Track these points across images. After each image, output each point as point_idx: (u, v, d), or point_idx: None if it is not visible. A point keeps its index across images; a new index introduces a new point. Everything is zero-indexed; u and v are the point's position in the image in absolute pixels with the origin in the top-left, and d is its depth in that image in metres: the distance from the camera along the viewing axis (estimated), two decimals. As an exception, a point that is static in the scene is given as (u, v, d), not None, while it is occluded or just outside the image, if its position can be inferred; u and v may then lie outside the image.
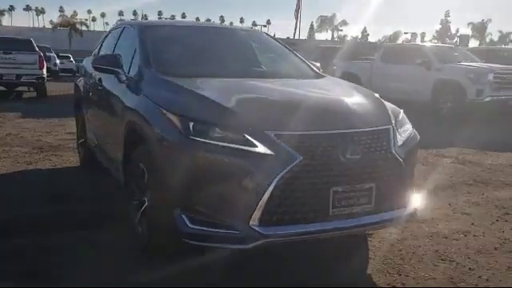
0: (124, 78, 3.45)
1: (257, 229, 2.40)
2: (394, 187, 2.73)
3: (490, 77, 10.01)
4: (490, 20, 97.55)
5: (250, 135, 2.47)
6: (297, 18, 49.56)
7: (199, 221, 2.48)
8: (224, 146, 2.45)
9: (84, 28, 76.06)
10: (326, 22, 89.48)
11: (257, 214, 2.39)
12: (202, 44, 3.93)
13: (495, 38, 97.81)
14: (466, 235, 3.53)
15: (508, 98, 10.13)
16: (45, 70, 13.71)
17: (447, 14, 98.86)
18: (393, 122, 2.91)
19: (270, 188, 2.38)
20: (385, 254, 3.15)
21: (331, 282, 2.74)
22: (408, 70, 11.36)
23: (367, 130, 2.68)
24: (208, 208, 2.48)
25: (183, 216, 2.50)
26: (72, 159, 5.64)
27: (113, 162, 3.71)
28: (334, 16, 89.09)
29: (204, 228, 2.47)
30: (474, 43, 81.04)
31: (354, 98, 3.11)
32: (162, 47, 3.69)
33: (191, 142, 2.50)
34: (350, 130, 2.63)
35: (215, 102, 2.72)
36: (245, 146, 2.45)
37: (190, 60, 3.57)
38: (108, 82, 3.81)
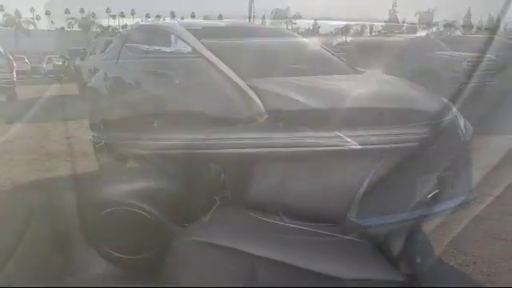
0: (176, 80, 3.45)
1: (354, 220, 2.52)
2: (465, 172, 2.93)
3: (464, 64, 10.51)
4: (435, 9, 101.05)
5: (340, 132, 2.57)
6: (250, 11, 49.68)
7: (297, 216, 2.55)
8: (316, 144, 2.55)
9: (31, 27, 72.71)
10: (280, 14, 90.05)
11: (354, 207, 2.50)
12: (247, 43, 3.96)
13: (440, 27, 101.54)
14: (502, 215, 3.79)
15: (479, 84, 10.66)
16: (15, 74, 13.15)
17: (394, 5, 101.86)
18: (453, 111, 3.11)
19: (365, 182, 2.49)
20: (440, 237, 3.32)
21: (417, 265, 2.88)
22: (383, 61, 11.65)
23: (442, 120, 2.86)
24: (304, 204, 2.57)
25: (280, 213, 2.57)
26: (87, 164, 5.50)
27: (166, 163, 3.69)
28: (288, 9, 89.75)
29: (303, 223, 2.55)
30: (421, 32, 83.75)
31: (416, 92, 3.28)
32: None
33: (282, 142, 2.58)
34: (429, 122, 2.79)
35: (299, 101, 2.78)
36: (337, 143, 2.55)
37: (243, 59, 3.61)
38: (153, 84, 3.79)
